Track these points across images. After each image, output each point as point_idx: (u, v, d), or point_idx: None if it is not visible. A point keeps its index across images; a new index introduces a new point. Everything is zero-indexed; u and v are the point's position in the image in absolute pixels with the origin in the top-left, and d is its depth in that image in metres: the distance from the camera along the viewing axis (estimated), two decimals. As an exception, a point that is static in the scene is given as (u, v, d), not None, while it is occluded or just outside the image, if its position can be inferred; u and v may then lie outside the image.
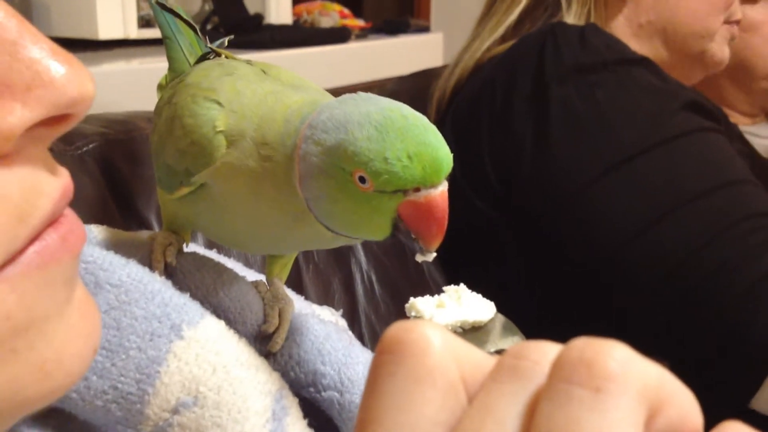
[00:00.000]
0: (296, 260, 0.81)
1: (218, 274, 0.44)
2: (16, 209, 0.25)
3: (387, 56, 1.81)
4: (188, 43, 0.51)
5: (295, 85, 0.42)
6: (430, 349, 0.21)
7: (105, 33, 1.36)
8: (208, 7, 1.70)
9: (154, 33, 1.41)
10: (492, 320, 0.44)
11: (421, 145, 0.35)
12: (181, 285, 0.42)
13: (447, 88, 1.01)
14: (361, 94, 0.38)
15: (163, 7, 0.51)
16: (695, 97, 0.90)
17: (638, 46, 0.99)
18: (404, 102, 0.37)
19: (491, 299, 0.46)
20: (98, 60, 1.33)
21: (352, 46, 1.77)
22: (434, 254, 0.38)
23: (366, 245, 0.90)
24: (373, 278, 0.89)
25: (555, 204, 0.86)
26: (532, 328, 0.51)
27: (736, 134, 1.08)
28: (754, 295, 0.76)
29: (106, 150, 0.73)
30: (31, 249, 0.26)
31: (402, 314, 0.42)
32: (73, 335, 0.28)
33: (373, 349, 0.30)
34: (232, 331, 0.41)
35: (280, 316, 0.45)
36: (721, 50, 1.06)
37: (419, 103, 0.39)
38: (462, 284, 0.45)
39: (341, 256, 0.88)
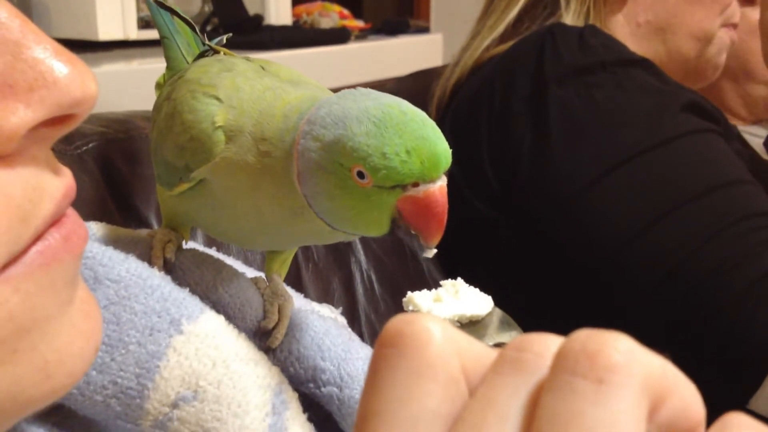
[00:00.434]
0: (295, 259, 0.81)
1: (218, 270, 0.44)
2: (19, 209, 0.25)
3: (386, 57, 1.81)
4: (186, 42, 0.51)
5: (293, 81, 0.42)
6: (431, 341, 0.20)
7: (105, 34, 1.36)
8: (207, 8, 1.70)
9: (153, 34, 1.40)
10: (490, 314, 0.43)
11: (420, 140, 0.35)
12: (180, 281, 0.42)
13: (447, 88, 1.01)
14: (360, 89, 0.38)
15: (161, 5, 0.51)
16: (694, 97, 0.90)
17: (637, 45, 0.99)
18: None
19: (490, 298, 0.45)
20: (98, 61, 1.33)
21: (352, 47, 1.77)
22: (434, 250, 0.38)
23: (366, 244, 0.90)
24: (373, 277, 0.89)
25: (554, 204, 0.86)
26: (532, 328, 0.50)
27: (735, 134, 1.08)
28: (754, 294, 0.76)
29: (106, 149, 0.73)
30: (34, 249, 0.26)
31: (401, 312, 0.42)
32: (75, 335, 0.28)
33: (372, 346, 0.30)
34: (231, 326, 0.41)
35: (279, 312, 0.44)
36: (718, 56, 1.06)
37: (419, 104, 0.39)
38: (459, 278, 0.45)
39: (341, 255, 0.88)
